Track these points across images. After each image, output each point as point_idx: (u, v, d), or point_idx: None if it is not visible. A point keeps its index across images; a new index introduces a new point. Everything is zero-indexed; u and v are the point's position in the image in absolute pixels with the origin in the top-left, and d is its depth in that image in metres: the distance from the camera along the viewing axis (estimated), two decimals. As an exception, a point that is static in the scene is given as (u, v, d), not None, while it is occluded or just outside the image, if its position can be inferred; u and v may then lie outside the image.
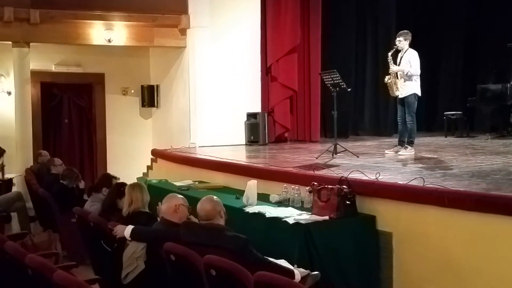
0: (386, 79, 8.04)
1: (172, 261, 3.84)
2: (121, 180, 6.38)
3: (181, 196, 4.68)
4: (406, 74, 7.77)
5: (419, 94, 7.90)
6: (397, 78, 7.89)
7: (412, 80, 7.79)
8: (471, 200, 4.35)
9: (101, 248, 4.71)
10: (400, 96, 7.95)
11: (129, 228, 4.42)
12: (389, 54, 7.95)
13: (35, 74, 10.64)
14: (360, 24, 12.64)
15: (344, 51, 12.06)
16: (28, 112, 10.19)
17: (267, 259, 3.92)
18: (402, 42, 7.87)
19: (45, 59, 11.15)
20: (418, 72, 7.81)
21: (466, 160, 7.06)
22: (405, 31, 8.04)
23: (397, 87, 7.90)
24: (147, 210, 4.88)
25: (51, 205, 6.75)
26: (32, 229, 7.94)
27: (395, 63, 7.95)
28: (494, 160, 6.84)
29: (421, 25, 12.89)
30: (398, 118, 8.14)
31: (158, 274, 4.23)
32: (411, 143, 7.95)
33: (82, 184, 7.55)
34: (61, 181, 7.19)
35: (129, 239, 4.40)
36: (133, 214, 4.72)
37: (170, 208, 4.49)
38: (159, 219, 4.70)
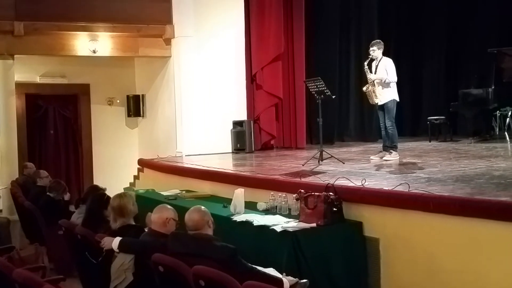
0: (364, 89, 8.18)
1: (161, 272, 3.84)
2: (107, 191, 6.35)
3: (172, 208, 4.63)
4: (384, 81, 7.87)
5: (398, 99, 8.03)
6: (375, 86, 8.00)
7: (389, 87, 7.92)
8: (455, 204, 4.40)
9: (89, 261, 4.68)
10: (379, 103, 8.06)
11: (117, 239, 4.39)
12: (365, 63, 8.08)
13: (19, 86, 10.61)
14: (344, 31, 12.73)
15: (328, 58, 12.12)
16: (13, 124, 10.12)
17: (256, 268, 3.93)
18: (376, 51, 7.99)
19: (30, 70, 11.12)
20: (395, 78, 7.95)
21: (450, 164, 7.12)
22: (378, 40, 8.20)
23: (375, 95, 8.02)
24: (134, 223, 4.83)
25: (38, 217, 6.69)
26: (18, 242, 7.88)
27: (370, 72, 8.06)
28: (478, 164, 6.91)
29: (403, 31, 13.05)
30: (381, 124, 8.25)
31: (146, 286, 4.21)
32: (394, 147, 8.06)
33: (67, 196, 7.46)
34: (48, 193, 7.13)
35: (117, 251, 4.39)
36: (122, 228, 4.65)
37: (161, 219, 4.47)
38: (146, 230, 4.69)
